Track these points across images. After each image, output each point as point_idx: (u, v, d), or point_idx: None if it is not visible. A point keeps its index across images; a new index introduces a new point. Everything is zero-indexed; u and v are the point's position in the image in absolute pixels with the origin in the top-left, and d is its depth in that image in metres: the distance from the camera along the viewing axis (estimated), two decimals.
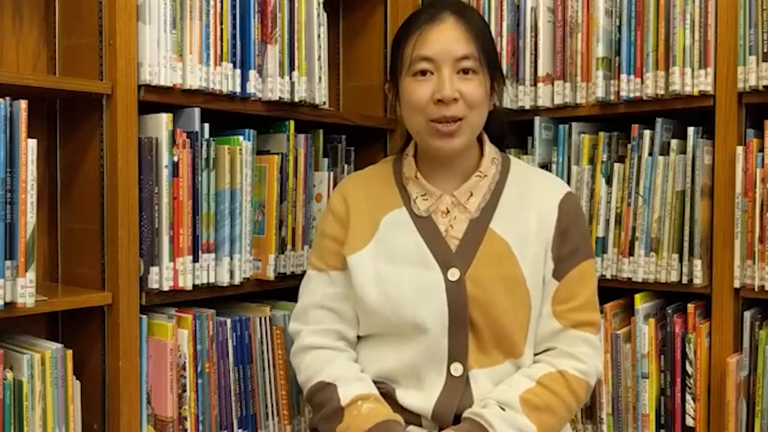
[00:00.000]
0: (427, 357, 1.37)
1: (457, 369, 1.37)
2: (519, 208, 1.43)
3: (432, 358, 1.37)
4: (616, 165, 1.80)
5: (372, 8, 2.16)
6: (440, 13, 1.39)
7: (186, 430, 1.58)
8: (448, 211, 1.42)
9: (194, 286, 1.59)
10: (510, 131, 1.62)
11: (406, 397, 1.39)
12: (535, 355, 1.42)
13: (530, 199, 1.44)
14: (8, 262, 1.33)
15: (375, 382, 1.42)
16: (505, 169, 1.48)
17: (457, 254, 1.39)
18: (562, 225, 1.42)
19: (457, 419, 1.36)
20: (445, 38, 1.37)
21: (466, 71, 1.37)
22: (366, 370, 1.43)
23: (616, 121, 1.87)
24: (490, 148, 1.48)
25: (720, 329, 1.68)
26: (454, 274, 1.37)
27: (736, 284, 1.66)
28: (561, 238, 1.41)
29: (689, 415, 1.69)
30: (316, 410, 1.41)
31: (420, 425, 1.39)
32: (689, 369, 1.69)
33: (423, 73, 1.38)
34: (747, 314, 1.69)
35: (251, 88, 1.68)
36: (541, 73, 1.89)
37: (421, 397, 1.37)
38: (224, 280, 1.65)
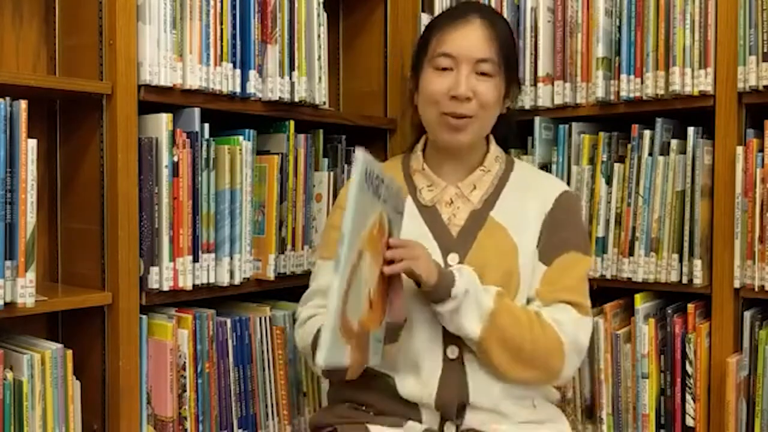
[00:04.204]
0: (424, 339, 1.39)
1: (453, 351, 1.39)
2: (520, 201, 1.48)
3: (428, 339, 1.39)
4: (616, 165, 1.80)
5: (372, 8, 2.16)
6: (468, 14, 1.46)
7: (186, 430, 1.58)
8: (452, 202, 1.48)
9: (194, 286, 1.59)
10: (515, 133, 1.68)
11: (405, 386, 1.40)
12: None
13: (531, 195, 1.49)
14: (8, 262, 1.33)
15: (375, 376, 1.43)
16: (508, 167, 1.54)
17: (458, 240, 1.44)
18: (554, 214, 1.47)
19: (460, 409, 1.38)
20: (469, 39, 1.43)
21: (483, 73, 1.43)
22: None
23: (616, 121, 1.87)
24: (495, 148, 1.54)
25: (720, 329, 1.68)
26: (453, 258, 1.42)
27: (736, 284, 1.66)
28: (551, 226, 1.46)
29: (689, 415, 1.69)
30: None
31: (420, 421, 1.40)
32: (689, 369, 1.69)
33: (444, 68, 1.44)
34: (747, 314, 1.69)
35: (251, 88, 1.68)
36: (541, 73, 1.89)
37: (421, 385, 1.39)
38: (224, 280, 1.65)
